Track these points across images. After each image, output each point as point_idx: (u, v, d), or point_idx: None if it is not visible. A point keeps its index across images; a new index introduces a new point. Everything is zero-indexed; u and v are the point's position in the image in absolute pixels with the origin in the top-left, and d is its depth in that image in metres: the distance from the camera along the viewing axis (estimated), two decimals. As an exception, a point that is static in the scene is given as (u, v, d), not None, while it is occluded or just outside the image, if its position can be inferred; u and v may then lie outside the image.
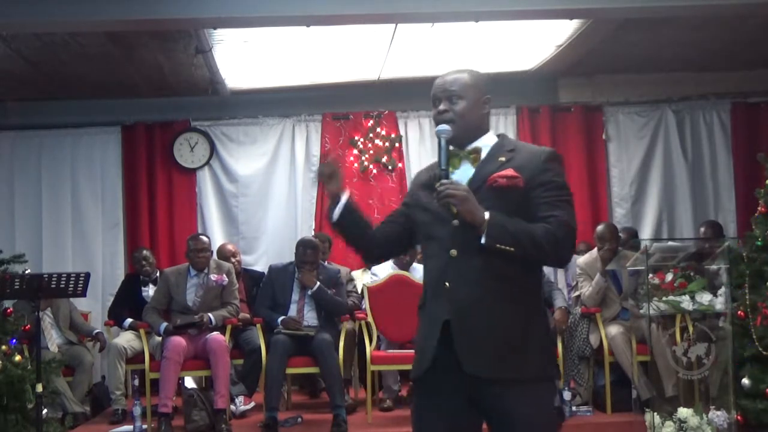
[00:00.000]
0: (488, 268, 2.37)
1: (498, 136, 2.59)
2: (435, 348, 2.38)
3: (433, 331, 2.39)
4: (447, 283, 2.40)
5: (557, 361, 2.54)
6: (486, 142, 2.53)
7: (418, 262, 7.08)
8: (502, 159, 2.46)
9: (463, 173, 2.48)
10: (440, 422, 2.41)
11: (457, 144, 2.50)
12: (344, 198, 2.66)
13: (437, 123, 2.49)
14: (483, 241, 2.34)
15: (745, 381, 4.59)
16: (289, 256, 6.40)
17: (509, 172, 2.41)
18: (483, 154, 2.51)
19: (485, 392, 2.35)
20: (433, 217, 2.48)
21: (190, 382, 6.36)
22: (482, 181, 2.43)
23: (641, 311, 5.20)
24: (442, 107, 2.49)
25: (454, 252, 2.41)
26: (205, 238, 6.14)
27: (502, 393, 2.34)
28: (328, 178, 2.65)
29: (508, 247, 2.34)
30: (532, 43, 6.65)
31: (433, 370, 2.40)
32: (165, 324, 5.75)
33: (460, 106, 2.49)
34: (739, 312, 4.76)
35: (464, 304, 2.37)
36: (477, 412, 2.41)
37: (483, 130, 2.55)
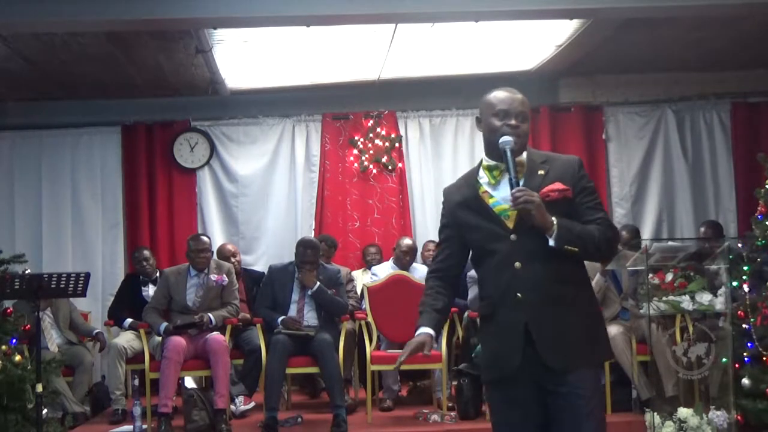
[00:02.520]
0: (551, 273, 2.62)
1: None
2: (521, 351, 2.61)
3: (514, 338, 2.62)
4: (518, 294, 2.62)
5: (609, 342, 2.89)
6: (523, 158, 2.73)
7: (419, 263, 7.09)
8: (542, 172, 2.69)
9: (505, 186, 2.66)
10: (517, 411, 2.66)
11: (499, 158, 2.69)
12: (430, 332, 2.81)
13: (505, 134, 2.66)
14: (552, 243, 2.58)
15: (745, 381, 4.59)
16: (289, 256, 6.40)
17: (558, 185, 2.65)
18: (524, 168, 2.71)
19: (557, 380, 2.59)
20: (486, 235, 2.70)
21: (190, 382, 6.36)
22: None
23: (641, 311, 5.20)
24: (514, 122, 2.68)
25: (518, 264, 2.63)
26: (205, 239, 6.14)
27: (573, 379, 2.58)
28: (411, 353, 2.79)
29: (574, 248, 2.59)
30: (532, 43, 6.65)
31: (516, 372, 2.63)
32: (165, 324, 5.75)
33: (524, 127, 2.71)
34: (739, 312, 4.76)
35: (538, 310, 2.61)
36: (543, 398, 2.63)
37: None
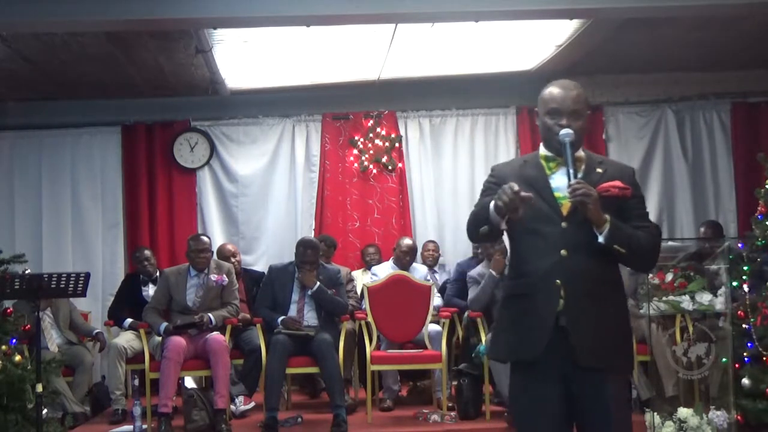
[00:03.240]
0: (595, 269, 2.61)
1: (582, 149, 2.79)
2: (547, 338, 2.58)
3: (545, 323, 2.60)
4: (558, 281, 2.60)
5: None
6: (581, 154, 2.75)
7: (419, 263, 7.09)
8: (600, 170, 2.71)
9: (561, 176, 2.67)
10: (541, 406, 2.62)
11: (556, 151, 2.70)
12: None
13: (556, 134, 2.67)
14: (602, 239, 2.57)
15: (745, 381, 4.59)
16: (289, 256, 6.40)
17: (619, 183, 2.65)
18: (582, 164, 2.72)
19: (586, 379, 2.57)
20: (537, 214, 2.65)
21: (190, 382, 6.36)
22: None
23: (641, 311, 5.20)
24: (565, 122, 2.67)
25: (564, 252, 2.61)
26: (205, 239, 6.14)
27: (601, 381, 2.58)
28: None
29: (622, 249, 2.59)
30: (532, 43, 6.65)
31: (543, 356, 2.60)
32: (165, 324, 5.75)
33: (578, 124, 2.69)
34: (739, 312, 4.75)
35: (577, 302, 2.58)
36: (568, 395, 2.62)
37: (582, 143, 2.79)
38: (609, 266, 2.65)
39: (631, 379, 5.63)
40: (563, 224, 2.63)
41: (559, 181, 2.67)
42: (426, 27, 5.94)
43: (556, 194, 2.68)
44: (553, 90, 2.72)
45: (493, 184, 2.76)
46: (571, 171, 2.59)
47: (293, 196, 7.73)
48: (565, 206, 2.65)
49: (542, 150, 2.78)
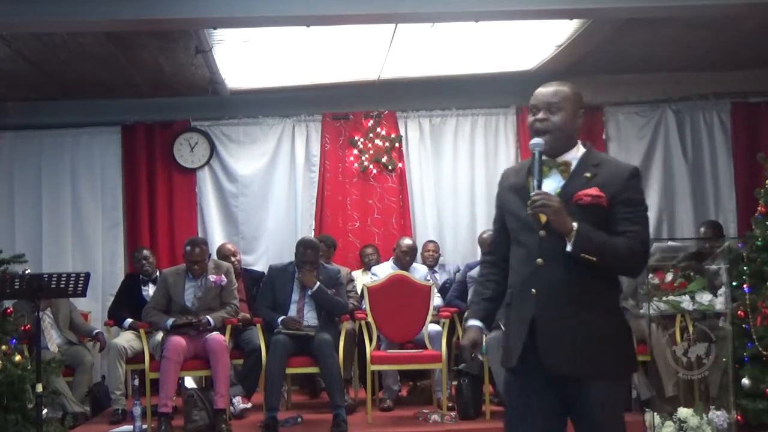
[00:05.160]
0: (572, 277, 2.60)
1: (584, 146, 2.75)
2: (523, 345, 2.63)
3: (521, 331, 2.65)
4: (533, 290, 2.63)
5: (636, 357, 2.90)
6: (575, 155, 2.71)
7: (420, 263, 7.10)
8: (588, 175, 2.65)
9: (553, 183, 2.67)
10: (532, 406, 2.65)
11: (549, 154, 2.67)
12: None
13: (534, 131, 2.66)
14: (569, 249, 2.56)
15: (745, 381, 4.59)
16: (289, 256, 6.40)
17: (594, 191, 2.60)
18: (572, 167, 2.68)
19: (566, 387, 2.61)
20: (521, 225, 2.69)
21: (190, 382, 6.36)
22: (569, 197, 2.61)
23: (641, 311, 5.20)
24: (541, 115, 2.66)
25: (540, 261, 2.63)
26: (199, 249, 5.90)
27: (580, 389, 2.59)
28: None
29: (591, 257, 2.56)
30: (532, 43, 6.65)
31: (526, 363, 2.64)
32: (172, 319, 5.73)
33: (558, 117, 2.65)
34: (739, 312, 4.75)
35: (548, 311, 2.60)
36: (561, 397, 2.64)
37: (574, 142, 2.72)
38: (589, 273, 2.59)
39: (632, 380, 5.63)
40: (541, 233, 2.63)
41: (547, 187, 2.66)
42: (426, 27, 5.94)
43: None
44: (536, 90, 2.74)
45: (497, 197, 2.87)
46: (536, 181, 2.60)
47: (293, 196, 7.73)
48: (544, 216, 2.63)
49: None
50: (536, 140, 2.64)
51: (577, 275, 2.59)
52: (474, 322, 2.82)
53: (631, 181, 2.65)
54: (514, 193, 2.74)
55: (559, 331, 2.59)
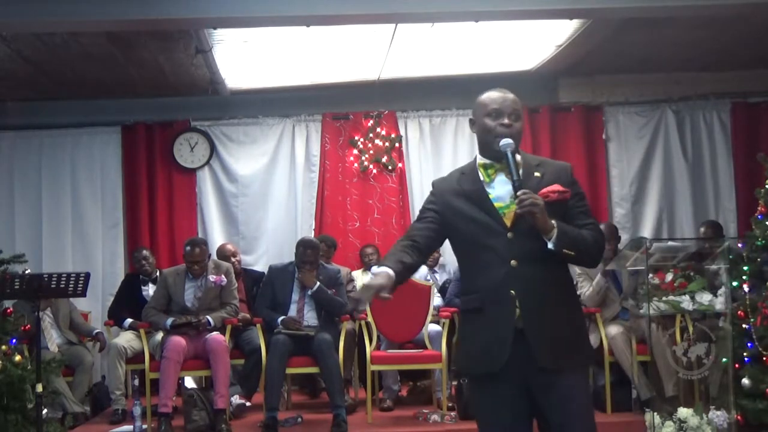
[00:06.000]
0: (546, 274, 2.66)
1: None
2: (509, 348, 2.62)
3: (504, 334, 2.63)
4: (512, 291, 2.63)
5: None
6: (518, 159, 2.75)
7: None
8: (538, 174, 2.72)
9: (500, 184, 2.72)
10: (504, 409, 2.68)
11: (494, 158, 2.73)
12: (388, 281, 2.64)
13: (502, 135, 2.70)
14: (551, 246, 2.61)
15: (745, 381, 4.59)
16: (289, 256, 6.40)
17: (558, 187, 2.68)
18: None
19: (545, 381, 2.62)
20: (481, 228, 2.69)
21: (190, 382, 6.37)
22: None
23: (641, 311, 5.20)
24: (507, 121, 2.72)
25: (514, 262, 2.64)
26: (199, 250, 5.92)
27: (560, 380, 2.62)
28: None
29: (570, 252, 2.63)
30: (532, 43, 6.65)
31: (506, 365, 2.64)
32: (172, 319, 5.73)
33: (518, 124, 2.76)
34: (739, 312, 4.75)
35: (533, 310, 2.62)
36: (530, 396, 2.67)
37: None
38: (558, 269, 2.70)
39: (631, 379, 5.63)
40: (509, 235, 2.65)
41: (499, 190, 2.71)
42: (426, 27, 5.94)
43: (497, 204, 2.70)
44: (490, 94, 2.80)
45: (433, 202, 2.82)
46: (517, 181, 2.62)
47: (293, 196, 7.73)
48: (508, 216, 2.67)
49: (479, 158, 2.79)
50: (507, 141, 2.68)
51: (550, 272, 2.67)
52: (386, 269, 2.61)
53: (574, 177, 2.80)
54: (463, 197, 2.74)
55: (543, 327, 2.62)
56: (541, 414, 2.71)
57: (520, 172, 2.68)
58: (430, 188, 2.93)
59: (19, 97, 7.51)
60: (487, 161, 2.75)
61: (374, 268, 2.71)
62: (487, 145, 2.75)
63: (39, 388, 4.82)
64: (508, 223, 2.66)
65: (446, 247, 8.37)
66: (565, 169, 2.80)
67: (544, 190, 2.65)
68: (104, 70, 6.82)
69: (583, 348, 2.77)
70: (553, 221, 2.60)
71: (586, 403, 2.75)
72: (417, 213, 8.91)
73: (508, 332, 2.62)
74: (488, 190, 2.73)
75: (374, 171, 7.76)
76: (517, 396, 2.66)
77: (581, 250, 2.66)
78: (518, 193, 2.59)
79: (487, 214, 2.69)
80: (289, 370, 5.81)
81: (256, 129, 7.81)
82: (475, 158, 2.83)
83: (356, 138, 7.75)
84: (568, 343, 2.66)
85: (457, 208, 2.75)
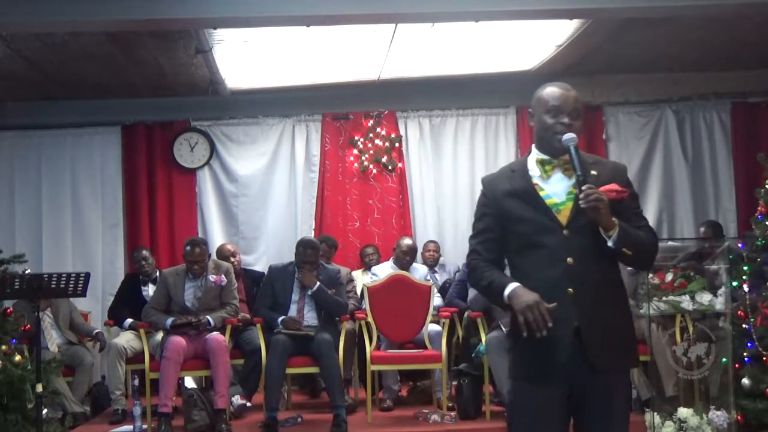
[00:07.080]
0: (603, 272, 2.62)
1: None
2: (569, 348, 2.56)
3: (563, 333, 2.56)
4: (570, 289, 2.58)
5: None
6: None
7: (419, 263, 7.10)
8: (594, 173, 2.65)
9: (556, 181, 2.67)
10: (550, 411, 2.61)
11: (552, 154, 2.68)
12: None
13: (562, 133, 2.63)
14: (611, 243, 2.56)
15: (745, 381, 4.59)
16: (289, 256, 6.40)
17: (616, 186, 2.63)
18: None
19: (594, 379, 2.57)
20: (535, 227, 2.64)
21: (190, 382, 6.36)
22: None
23: (641, 311, 5.20)
24: (567, 120, 2.65)
25: (570, 260, 2.59)
26: (199, 249, 5.91)
27: (609, 379, 2.59)
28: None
29: (629, 251, 2.58)
30: (532, 43, 6.65)
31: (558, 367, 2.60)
32: (172, 319, 5.73)
33: (578, 123, 2.68)
34: (739, 312, 4.75)
35: (589, 308, 2.57)
36: (569, 395, 2.61)
37: None
38: (612, 267, 2.65)
39: (631, 379, 5.62)
40: (565, 232, 2.60)
41: (555, 187, 2.65)
42: (426, 27, 5.94)
43: (548, 201, 2.64)
44: (552, 89, 2.69)
45: (486, 205, 2.75)
46: (581, 176, 2.56)
47: (293, 196, 7.73)
48: (563, 213, 2.62)
49: (536, 153, 2.72)
50: (570, 135, 2.61)
51: (607, 270, 2.63)
52: (516, 284, 2.60)
53: (628, 178, 2.74)
54: (514, 197, 2.67)
55: (598, 326, 2.57)
56: (575, 416, 2.67)
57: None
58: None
59: (19, 97, 7.51)
60: (545, 157, 2.68)
61: (510, 289, 2.60)
62: (545, 141, 2.69)
63: (39, 388, 4.82)
64: (563, 220, 2.61)
65: (446, 247, 8.34)
66: (621, 170, 2.75)
67: (603, 188, 2.59)
68: (104, 70, 6.82)
69: (633, 349, 2.73)
70: (614, 219, 2.55)
71: (626, 405, 2.72)
72: (417, 213, 8.90)
73: (566, 331, 2.56)
74: (543, 186, 2.67)
75: (374, 171, 7.76)
76: (563, 397, 2.61)
77: (639, 250, 2.61)
78: (583, 187, 2.53)
79: (539, 212, 2.63)
80: (289, 370, 5.80)
81: (256, 129, 7.81)
82: (528, 154, 2.77)
83: (356, 138, 7.75)
84: (622, 343, 2.64)
85: (509, 209, 2.69)
